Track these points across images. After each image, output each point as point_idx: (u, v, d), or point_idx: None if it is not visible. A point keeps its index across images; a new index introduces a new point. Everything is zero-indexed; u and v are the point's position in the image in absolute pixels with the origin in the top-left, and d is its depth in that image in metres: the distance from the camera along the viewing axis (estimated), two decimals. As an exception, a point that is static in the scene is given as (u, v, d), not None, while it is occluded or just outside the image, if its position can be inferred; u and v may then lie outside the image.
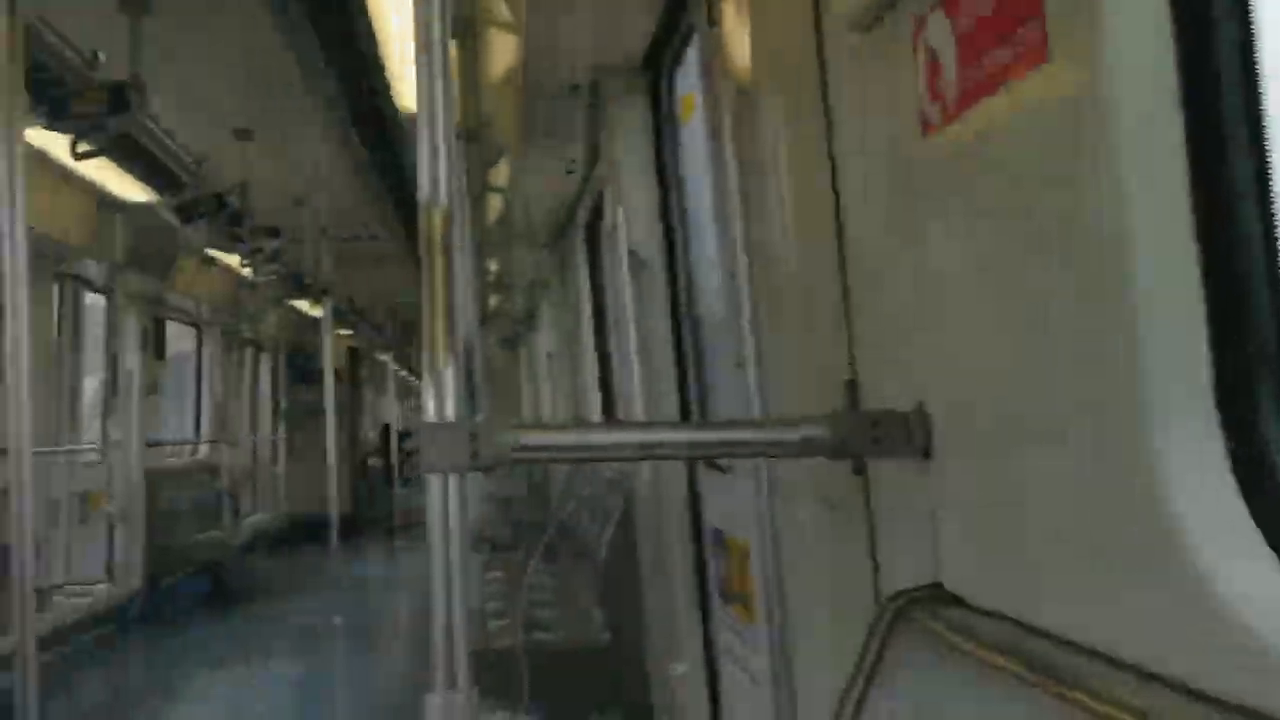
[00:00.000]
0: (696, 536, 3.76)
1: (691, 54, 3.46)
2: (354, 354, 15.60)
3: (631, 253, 3.91)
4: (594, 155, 5.28)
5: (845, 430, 1.77)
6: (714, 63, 2.97)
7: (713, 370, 3.84)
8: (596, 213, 6.33)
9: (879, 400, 1.88)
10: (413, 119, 5.22)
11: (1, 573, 6.00)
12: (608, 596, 4.36)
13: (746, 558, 3.31)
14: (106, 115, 3.40)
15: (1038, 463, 1.46)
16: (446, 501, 1.55)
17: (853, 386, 1.90)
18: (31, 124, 3.06)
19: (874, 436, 1.76)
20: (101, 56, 3.58)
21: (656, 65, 3.98)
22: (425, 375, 1.59)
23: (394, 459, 15.49)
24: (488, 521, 5.01)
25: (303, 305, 12.56)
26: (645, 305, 3.96)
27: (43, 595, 6.20)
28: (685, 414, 3.86)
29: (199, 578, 9.97)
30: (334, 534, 8.42)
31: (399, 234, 9.32)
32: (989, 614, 1.59)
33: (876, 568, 1.99)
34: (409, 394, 19.11)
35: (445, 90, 1.70)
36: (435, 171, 1.70)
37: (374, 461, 18.75)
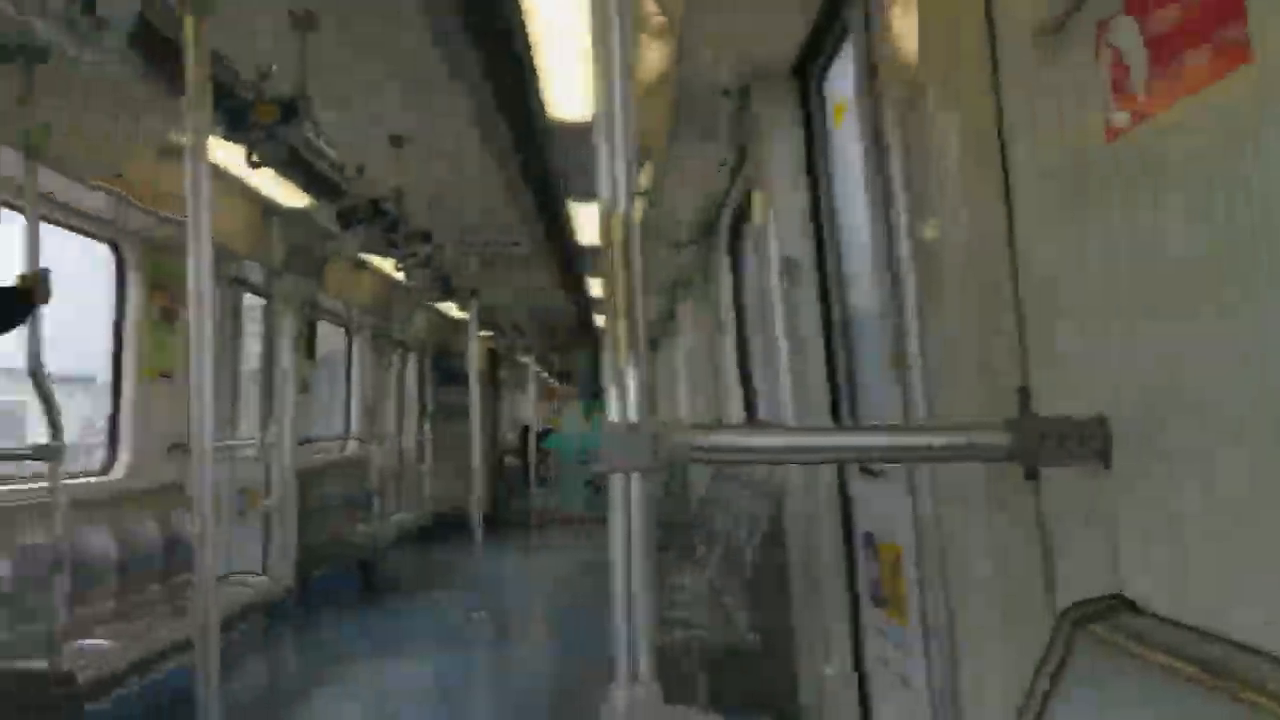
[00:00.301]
0: (847, 539, 3.76)
1: (844, 57, 3.47)
2: (493, 355, 15.90)
3: (782, 254, 3.93)
4: (741, 157, 5.30)
5: (1022, 436, 1.76)
6: (873, 65, 2.97)
7: (861, 373, 3.84)
8: (740, 214, 6.36)
9: (1051, 406, 1.86)
10: (559, 123, 5.31)
11: (170, 564, 6.32)
12: (755, 598, 4.37)
13: (899, 561, 3.30)
14: (279, 125, 3.56)
15: (1229, 470, 1.44)
16: (629, 500, 1.59)
17: (1025, 392, 1.89)
18: (215, 135, 3.21)
19: (1052, 443, 1.74)
20: (274, 69, 3.74)
21: (807, 68, 3.99)
22: (607, 378, 1.63)
23: (531, 459, 15.70)
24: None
25: (446, 308, 12.87)
26: (793, 306, 3.97)
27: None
28: (835, 416, 3.86)
29: (348, 572, 10.29)
30: (478, 532, 8.59)
31: (539, 237, 9.47)
32: (1172, 623, 1.57)
33: (1049, 575, 1.97)
34: (548, 396, 19.48)
35: (624, 95, 1.73)
36: (614, 175, 1.73)
37: (511, 461, 19.06)
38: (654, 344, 13.67)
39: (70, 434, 5.66)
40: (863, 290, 3.62)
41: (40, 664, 4.27)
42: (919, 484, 2.70)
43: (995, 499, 2.10)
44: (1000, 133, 2.03)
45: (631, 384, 1.62)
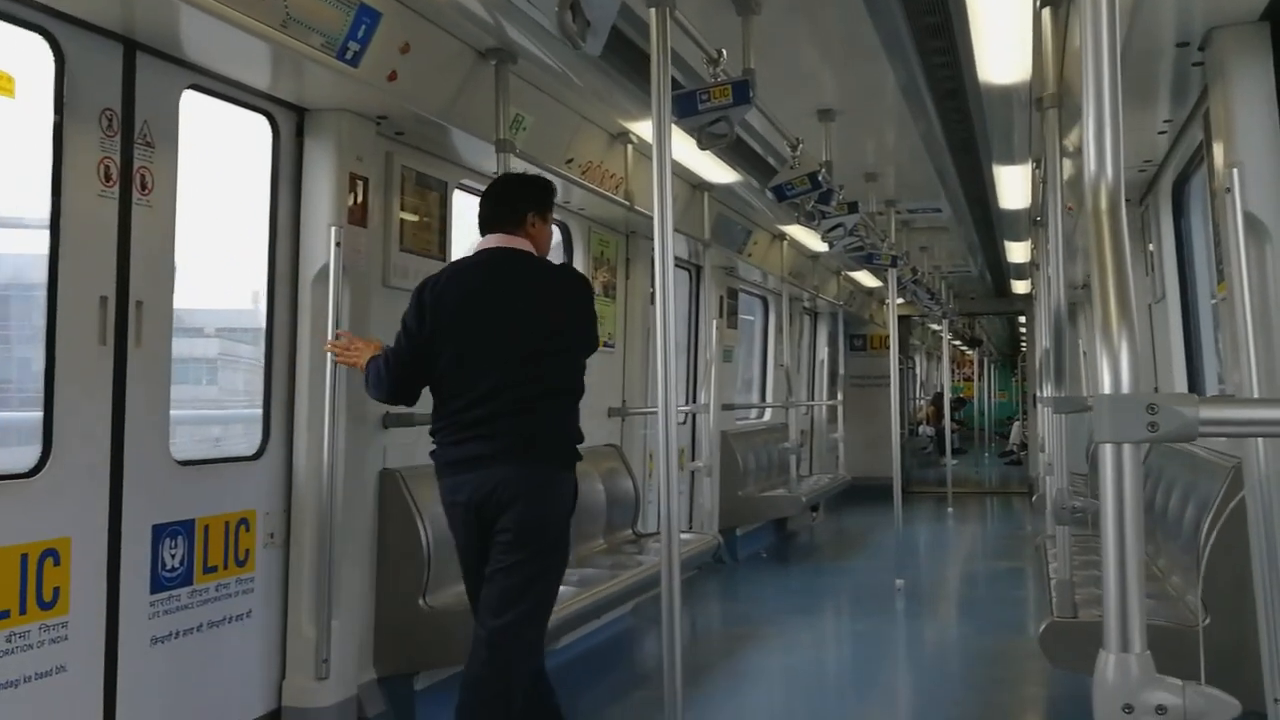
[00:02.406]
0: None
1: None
2: (905, 322, 15.76)
3: (1247, 215, 3.67)
4: (1190, 114, 4.99)
5: None
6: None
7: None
8: (1184, 174, 5.98)
9: None
10: (987, 87, 5.18)
11: (617, 520, 6.81)
12: (1208, 580, 4.13)
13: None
14: (730, 107, 3.75)
15: None
16: (1121, 471, 1.59)
17: None
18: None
19: None
20: (724, 54, 3.93)
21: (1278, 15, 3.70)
22: (1099, 346, 1.64)
23: (945, 428, 15.45)
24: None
25: (859, 276, 12.93)
26: (1260, 270, 3.70)
27: (642, 540, 6.94)
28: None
29: (765, 532, 10.64)
30: (897, 499, 8.61)
31: (959, 203, 9.30)
32: None
33: None
34: (961, 364, 19.09)
35: (1112, 60, 1.72)
36: (1102, 143, 1.73)
37: (924, 431, 18.86)
38: (1071, 312, 13.04)
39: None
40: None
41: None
42: None
43: None
44: None
45: (1123, 352, 1.62)
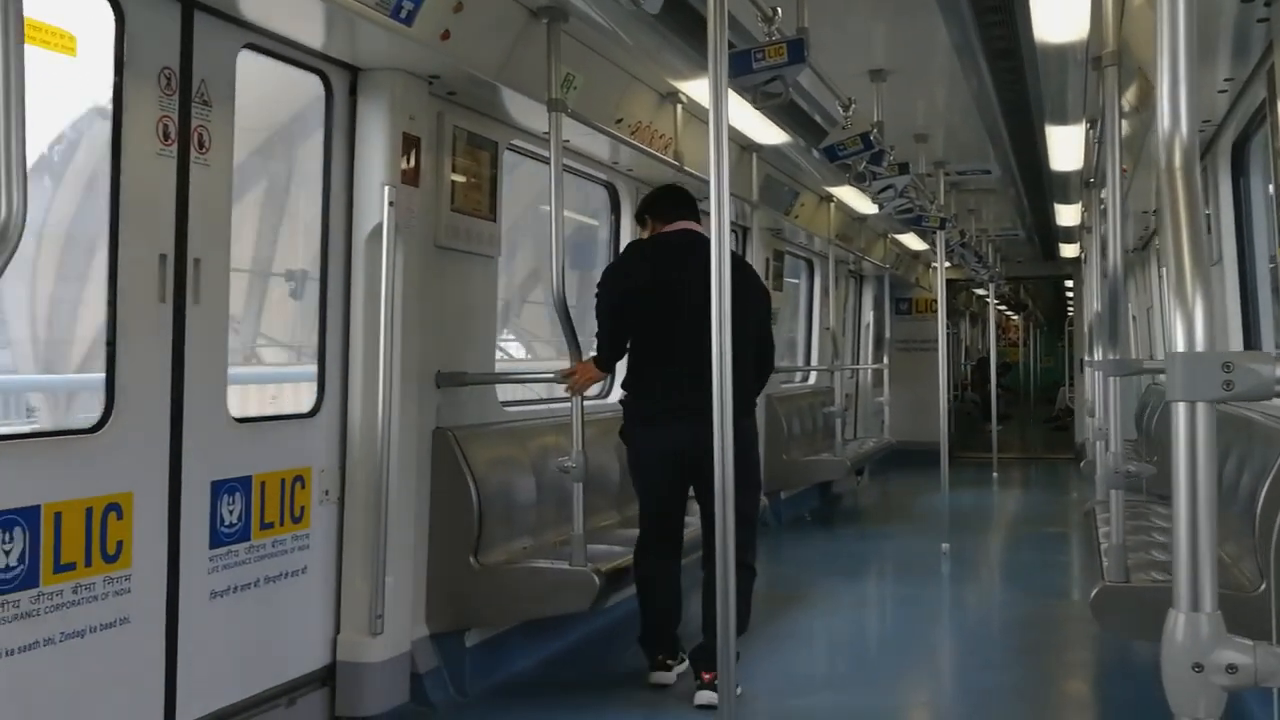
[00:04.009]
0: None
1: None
2: (950, 286, 15.63)
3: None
4: (1252, 72, 4.90)
5: None
6: None
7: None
8: (1244, 135, 5.90)
9: None
10: (1043, 46, 5.09)
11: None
12: (1264, 548, 4.10)
13: None
14: (785, 66, 3.72)
15: None
16: (1195, 431, 1.58)
17: None
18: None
19: None
20: (779, 12, 3.90)
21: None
22: (1172, 304, 1.62)
23: (991, 393, 15.34)
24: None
25: (905, 238, 12.83)
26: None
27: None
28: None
29: (808, 496, 10.64)
30: (944, 463, 8.57)
31: (1008, 164, 9.20)
32: None
33: None
34: (1006, 329, 18.94)
35: (1189, 19, 1.69)
36: (1176, 100, 1.70)
37: (969, 396, 18.75)
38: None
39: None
40: None
41: (562, 564, 4.81)
42: None
43: None
44: None
45: (1198, 310, 1.60)
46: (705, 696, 4.51)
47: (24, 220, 2.05)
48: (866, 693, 5.09)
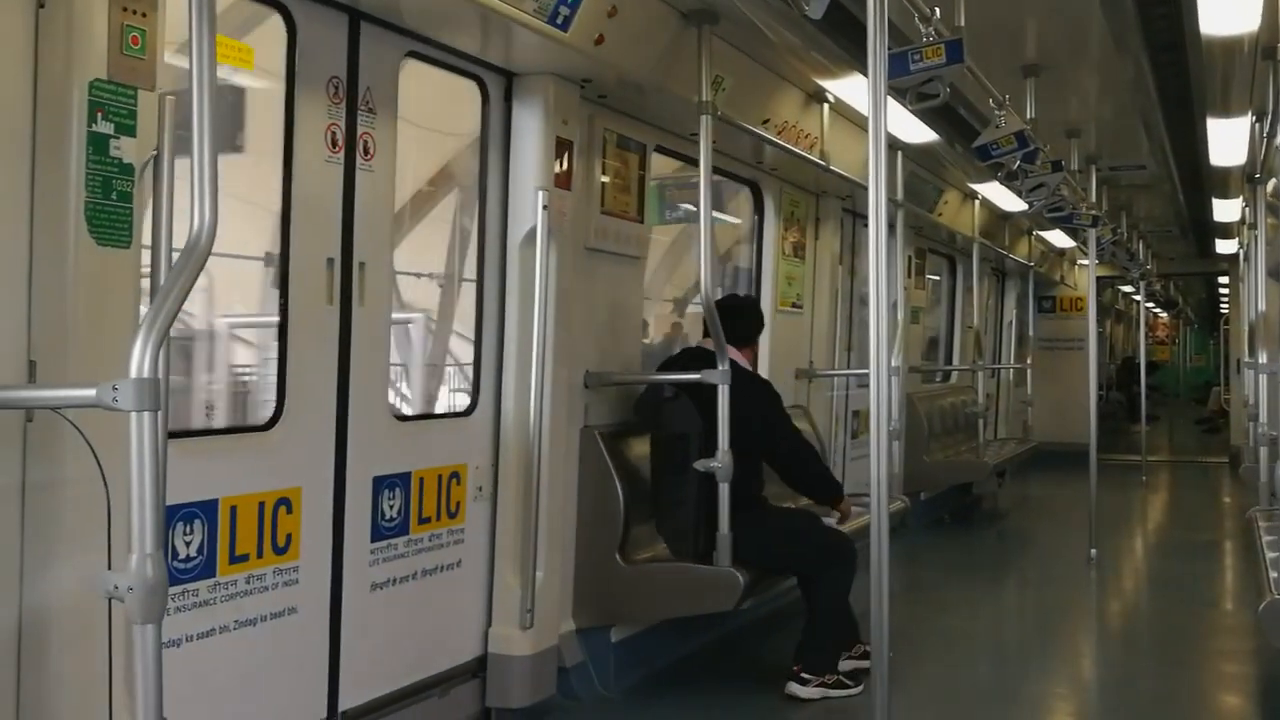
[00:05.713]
0: None
1: None
2: (1096, 283, 15.15)
3: None
4: None
5: None
6: None
7: None
8: None
9: None
10: (1207, 38, 4.92)
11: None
12: None
13: None
14: (943, 67, 3.67)
15: None
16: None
17: None
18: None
19: None
20: (937, 12, 3.84)
21: None
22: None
23: (1140, 394, 14.84)
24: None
25: (1049, 236, 12.49)
26: None
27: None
28: None
29: (947, 497, 10.45)
30: (1093, 465, 8.33)
31: (1164, 161, 8.90)
32: None
33: None
34: (1155, 328, 18.32)
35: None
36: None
37: (1114, 396, 18.17)
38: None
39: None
40: None
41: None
42: None
43: None
44: None
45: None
46: (791, 688, 4.85)
47: (214, 233, 2.16)
48: (1009, 708, 5.00)
